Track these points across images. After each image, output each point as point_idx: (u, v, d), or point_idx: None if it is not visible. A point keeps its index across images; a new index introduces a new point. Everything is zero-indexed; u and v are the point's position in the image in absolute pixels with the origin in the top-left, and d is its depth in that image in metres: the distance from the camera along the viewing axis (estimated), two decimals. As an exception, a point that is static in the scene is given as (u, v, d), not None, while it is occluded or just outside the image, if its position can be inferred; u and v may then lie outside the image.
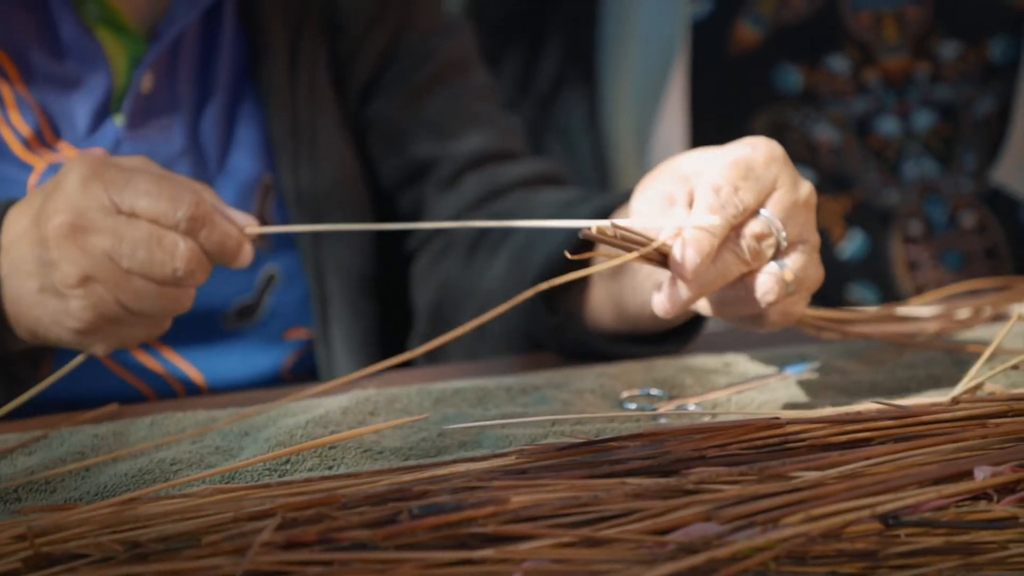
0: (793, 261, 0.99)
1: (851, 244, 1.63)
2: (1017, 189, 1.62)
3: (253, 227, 1.04)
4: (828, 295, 1.64)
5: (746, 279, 0.98)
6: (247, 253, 1.04)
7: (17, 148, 1.18)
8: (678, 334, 1.15)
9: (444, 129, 1.32)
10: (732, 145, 1.00)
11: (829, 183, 1.63)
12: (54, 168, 1.18)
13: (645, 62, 1.64)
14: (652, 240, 0.95)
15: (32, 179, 1.17)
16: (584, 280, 1.15)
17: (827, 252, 1.64)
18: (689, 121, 1.64)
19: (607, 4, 1.68)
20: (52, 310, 1.01)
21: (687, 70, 1.63)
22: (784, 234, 0.98)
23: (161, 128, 1.22)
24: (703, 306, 1.01)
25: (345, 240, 1.28)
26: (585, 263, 0.97)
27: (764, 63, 1.62)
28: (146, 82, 1.21)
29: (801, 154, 1.63)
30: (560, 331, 1.16)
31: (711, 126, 1.64)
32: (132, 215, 0.99)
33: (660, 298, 0.97)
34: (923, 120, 1.63)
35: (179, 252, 1.00)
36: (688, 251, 0.95)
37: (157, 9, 1.22)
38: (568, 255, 0.95)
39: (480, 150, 1.32)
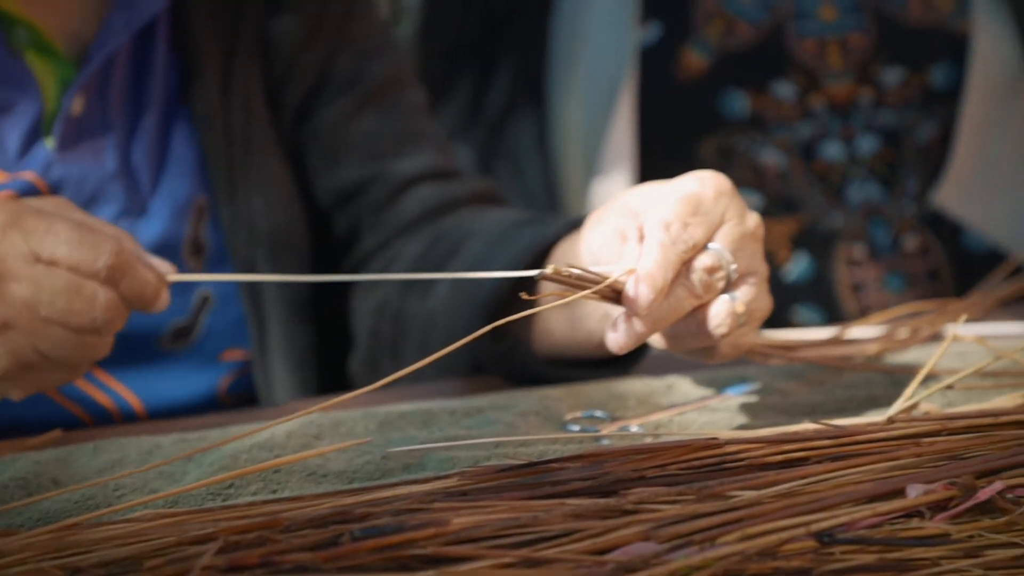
0: (743, 293, 1.00)
1: (796, 267, 1.65)
2: (957, 213, 1.64)
3: (173, 275, 1.06)
4: (774, 317, 1.65)
5: (698, 312, 0.99)
6: (164, 300, 1.05)
7: None
8: (622, 359, 1.16)
9: (379, 149, 1.32)
10: (681, 179, 1.01)
11: (775, 206, 1.65)
12: None
13: (593, 87, 1.65)
14: (605, 278, 0.96)
15: None
16: (525, 322, 1.16)
17: (773, 275, 1.65)
18: (637, 146, 1.65)
19: (556, 29, 1.69)
20: None
21: (635, 95, 1.64)
22: (734, 266, 1.00)
23: (93, 151, 1.22)
24: (656, 340, 1.03)
25: (280, 260, 1.28)
26: (532, 292, 0.98)
27: (711, 89, 1.64)
28: (76, 105, 1.21)
29: (748, 178, 1.64)
30: (505, 357, 1.17)
31: (659, 151, 1.65)
32: (52, 263, 1.00)
33: (614, 335, 0.98)
34: (867, 145, 1.65)
35: (98, 302, 1.00)
36: (641, 287, 0.96)
37: (87, 32, 1.22)
38: (523, 295, 0.96)
39: (419, 169, 1.32)
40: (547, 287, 0.96)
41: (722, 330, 0.99)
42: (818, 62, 1.63)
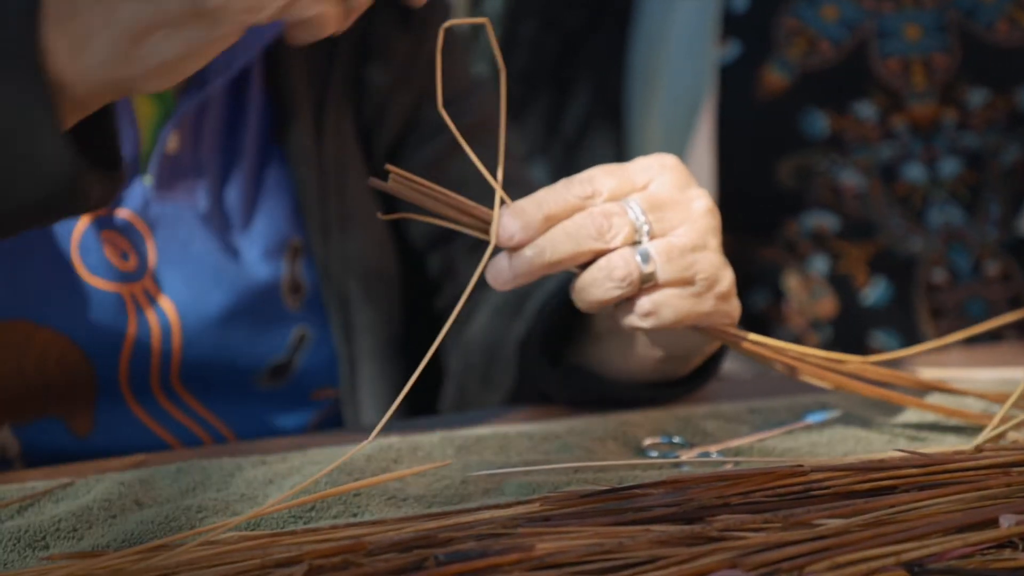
0: (656, 247, 0.98)
1: (874, 291, 1.64)
2: None
3: None
4: (852, 341, 1.64)
5: (601, 260, 0.97)
6: None
7: None
8: (691, 377, 1.15)
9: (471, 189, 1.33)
10: None
11: (854, 229, 1.64)
12: (95, 224, 1.17)
13: (672, 106, 1.65)
14: (465, 203, 0.95)
15: (75, 237, 1.17)
16: (586, 331, 1.15)
17: (850, 298, 1.64)
18: (716, 166, 1.64)
19: (635, 49, 1.69)
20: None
21: (714, 115, 1.64)
22: (645, 219, 0.97)
23: (187, 190, 1.22)
24: (575, 293, 1.00)
25: (373, 300, 1.29)
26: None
27: (791, 108, 1.63)
28: (172, 142, 1.21)
29: (827, 199, 1.63)
30: (565, 382, 1.16)
31: (738, 170, 1.65)
32: None
33: (491, 270, 0.96)
34: (949, 167, 1.63)
35: None
36: (506, 218, 0.95)
37: None
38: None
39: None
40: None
41: (618, 273, 0.97)
42: (901, 82, 1.62)
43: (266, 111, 1.27)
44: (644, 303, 0.99)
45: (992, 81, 1.63)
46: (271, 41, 1.24)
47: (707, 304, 1.01)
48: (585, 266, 0.99)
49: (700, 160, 1.64)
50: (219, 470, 0.99)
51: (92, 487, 0.95)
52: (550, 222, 0.96)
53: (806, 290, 1.65)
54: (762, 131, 1.64)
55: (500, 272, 0.97)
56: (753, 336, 1.05)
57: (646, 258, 0.98)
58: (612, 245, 0.97)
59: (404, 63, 1.32)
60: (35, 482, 0.98)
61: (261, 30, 1.22)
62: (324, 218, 1.26)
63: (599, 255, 0.98)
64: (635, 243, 0.98)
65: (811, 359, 1.05)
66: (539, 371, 1.16)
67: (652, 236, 0.98)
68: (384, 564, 0.75)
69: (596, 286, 0.98)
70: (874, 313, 1.63)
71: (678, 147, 1.63)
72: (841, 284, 1.64)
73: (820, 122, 1.63)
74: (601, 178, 0.98)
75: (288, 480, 0.97)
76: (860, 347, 1.64)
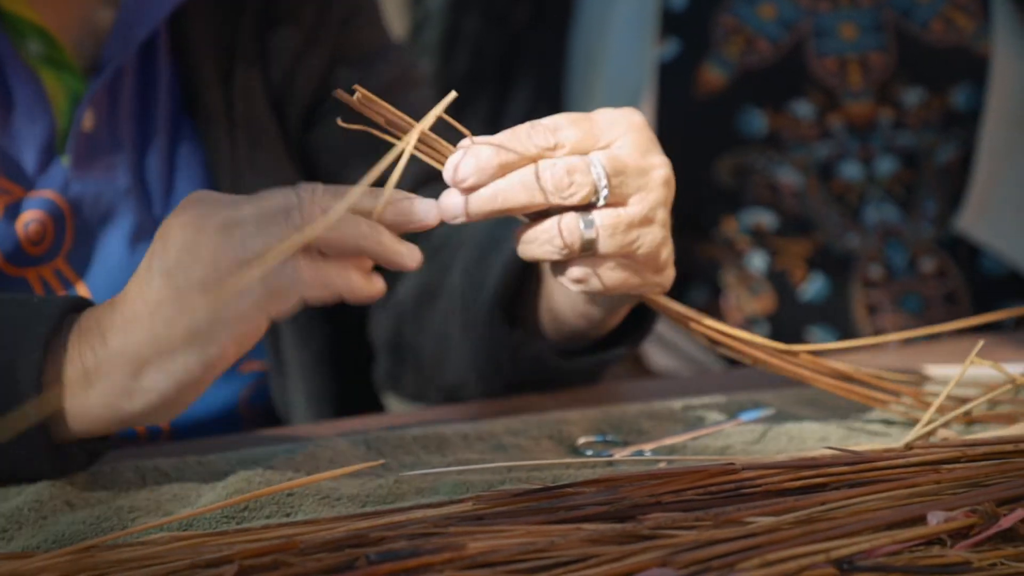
0: (602, 217, 0.97)
1: (812, 287, 1.65)
2: (979, 238, 1.64)
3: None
4: (788, 337, 1.65)
5: (547, 222, 0.97)
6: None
7: None
8: (630, 333, 1.16)
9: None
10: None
11: (791, 226, 1.65)
12: (11, 208, 1.17)
13: (612, 103, 1.65)
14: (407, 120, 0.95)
15: None
16: (534, 295, 1.15)
17: (788, 294, 1.65)
18: None
19: (575, 45, 1.69)
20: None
21: (653, 112, 1.64)
22: (605, 183, 0.96)
23: (106, 167, 1.22)
24: (522, 245, 0.99)
25: None
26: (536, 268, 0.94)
27: (729, 106, 1.63)
28: (88, 120, 1.20)
29: (764, 197, 1.64)
30: (521, 348, 1.16)
31: (676, 167, 1.65)
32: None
33: (443, 199, 0.96)
34: (886, 166, 1.65)
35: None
36: (459, 154, 0.95)
37: (94, 45, 1.21)
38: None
39: (428, 168, 1.32)
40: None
41: (559, 241, 0.97)
42: (838, 81, 1.63)
43: (175, 82, 1.27)
44: (576, 270, 0.99)
45: (928, 80, 1.64)
46: (174, 10, 1.23)
47: (640, 277, 1.00)
48: (533, 215, 0.99)
49: None
50: (152, 470, 0.99)
51: (22, 488, 0.94)
52: (505, 169, 0.96)
53: (744, 286, 1.66)
54: (700, 129, 1.64)
55: (453, 207, 0.96)
56: (676, 305, 1.06)
57: (589, 226, 0.97)
58: (568, 203, 0.97)
59: (312, 25, 1.31)
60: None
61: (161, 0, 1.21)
62: (237, 188, 1.26)
63: (552, 208, 0.98)
64: (589, 204, 0.98)
65: (732, 335, 1.05)
66: (500, 339, 1.15)
67: (609, 200, 0.97)
68: (315, 564, 0.75)
69: (537, 245, 0.98)
70: (811, 309, 1.64)
71: None
72: (779, 280, 1.65)
73: (758, 120, 1.63)
74: (566, 129, 0.96)
75: (221, 480, 0.96)
76: (797, 343, 1.64)
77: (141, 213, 1.23)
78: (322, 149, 1.32)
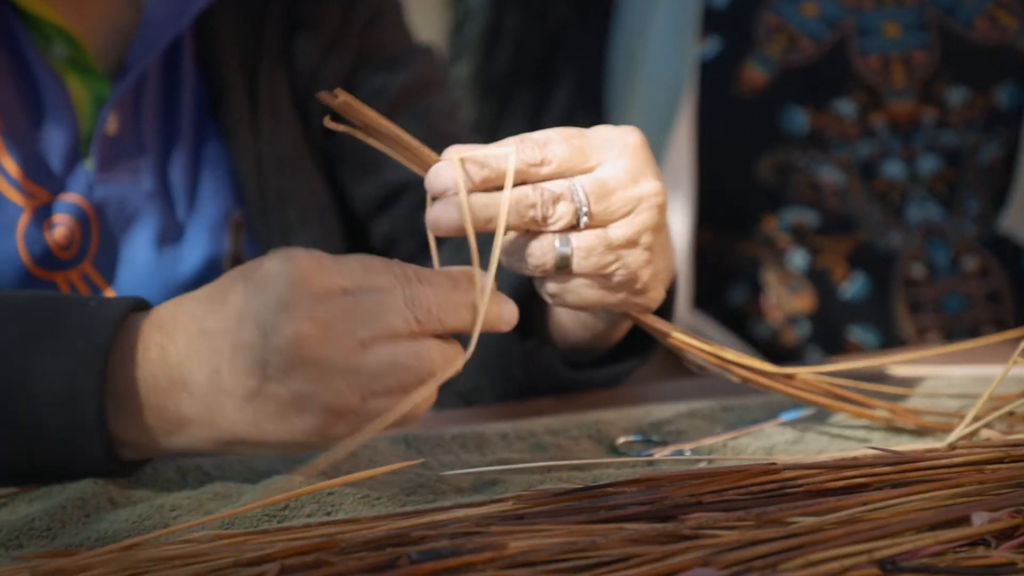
0: (580, 239, 0.97)
1: (853, 285, 1.64)
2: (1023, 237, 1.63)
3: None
4: (829, 335, 1.64)
5: (530, 237, 0.97)
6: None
7: (9, 192, 1.18)
8: (638, 350, 1.15)
9: None
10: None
11: (833, 224, 1.64)
12: (39, 212, 1.18)
13: (653, 101, 1.65)
14: (403, 137, 0.95)
15: (22, 221, 1.17)
16: (543, 305, 1.15)
17: (829, 293, 1.64)
18: (696, 162, 1.65)
19: (616, 43, 1.69)
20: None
21: (694, 110, 1.64)
22: (587, 209, 0.96)
23: (130, 170, 1.22)
24: (504, 257, 0.99)
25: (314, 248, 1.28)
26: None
27: (771, 104, 1.63)
28: (111, 124, 1.21)
29: (806, 195, 1.64)
30: (532, 357, 1.16)
31: (717, 166, 1.65)
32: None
33: (428, 211, 0.95)
34: (928, 165, 1.64)
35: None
36: (438, 165, 0.94)
37: (119, 49, 1.22)
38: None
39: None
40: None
41: (533, 261, 0.97)
42: (881, 79, 1.62)
43: (200, 85, 1.27)
44: (550, 285, 0.99)
45: (971, 79, 1.63)
46: (199, 13, 1.23)
47: (617, 297, 1.00)
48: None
49: (680, 156, 1.64)
50: (195, 468, 0.99)
51: (66, 486, 0.95)
52: (487, 184, 0.96)
53: (785, 285, 1.66)
54: (742, 127, 1.64)
55: (440, 220, 0.96)
56: (658, 320, 1.05)
57: (565, 244, 0.97)
58: (550, 229, 0.97)
59: (336, 28, 1.32)
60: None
61: (188, 3, 1.22)
62: (262, 191, 1.26)
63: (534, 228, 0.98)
64: (571, 227, 0.97)
65: (705, 349, 1.04)
66: (511, 347, 1.16)
67: (590, 223, 0.97)
68: (356, 562, 0.75)
69: (516, 259, 0.98)
70: (852, 307, 1.64)
71: (658, 142, 1.63)
72: (820, 279, 1.65)
73: (800, 119, 1.63)
74: (556, 145, 0.96)
75: (262, 479, 0.96)
76: (838, 341, 1.64)
77: (165, 216, 1.23)
78: (343, 153, 1.33)
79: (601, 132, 0.99)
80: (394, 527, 0.82)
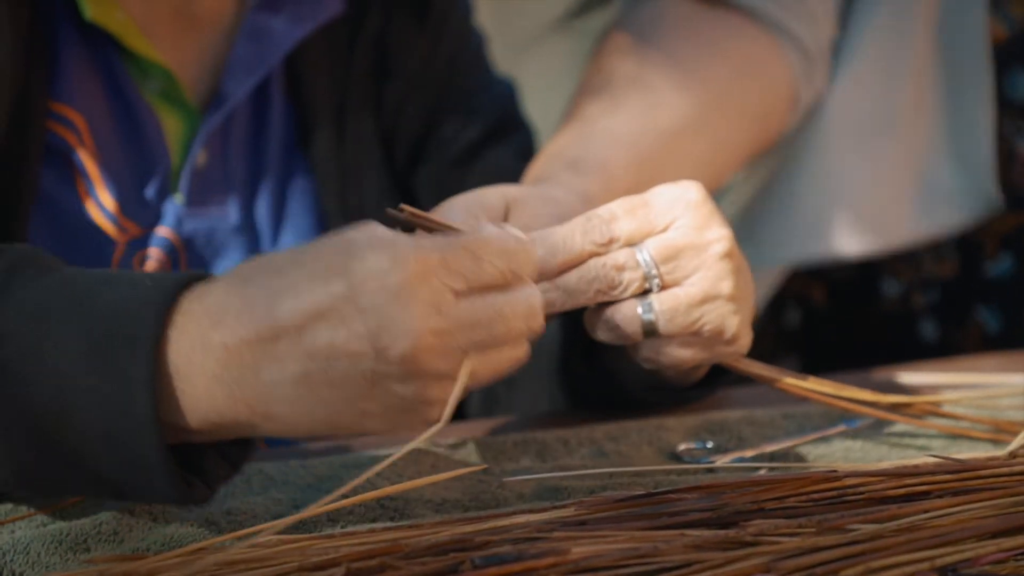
0: (661, 302, 0.98)
1: (999, 265, 1.57)
2: None
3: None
4: (955, 310, 1.58)
5: (608, 308, 0.99)
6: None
7: (105, 225, 1.18)
8: (710, 376, 1.16)
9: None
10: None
11: (1009, 198, 1.54)
12: (132, 244, 1.19)
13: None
14: (453, 229, 0.95)
15: (116, 255, 1.18)
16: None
17: (973, 267, 1.58)
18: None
19: None
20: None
21: None
22: (656, 272, 0.98)
23: (217, 204, 1.23)
24: (591, 331, 1.01)
25: None
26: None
27: (1000, 63, 1.55)
28: (201, 157, 1.21)
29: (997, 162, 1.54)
30: (600, 383, 1.16)
31: None
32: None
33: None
34: None
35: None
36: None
37: (210, 83, 1.23)
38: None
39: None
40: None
41: (622, 331, 0.98)
42: None
43: (288, 120, 1.28)
44: (645, 350, 1.01)
45: None
46: (291, 49, 1.24)
47: (709, 351, 1.01)
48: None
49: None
50: (259, 473, 1.00)
51: (133, 490, 0.96)
52: (564, 268, 0.98)
53: (931, 246, 1.59)
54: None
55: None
56: (757, 365, 1.05)
57: (648, 310, 0.99)
58: (621, 298, 0.99)
59: (422, 63, 1.32)
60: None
61: (279, 39, 1.22)
62: (347, 225, 1.27)
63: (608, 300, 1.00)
64: (645, 291, 0.99)
65: (816, 389, 1.05)
66: (571, 370, 1.16)
67: (663, 286, 0.99)
68: (420, 567, 0.76)
69: (600, 331, 1.00)
70: (990, 286, 1.57)
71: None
72: (968, 250, 1.59)
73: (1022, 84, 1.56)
74: (621, 221, 0.98)
75: (327, 483, 0.98)
76: (960, 318, 1.57)
77: (250, 250, 1.23)
78: (425, 187, 1.33)
79: (662, 194, 1.00)
80: (457, 532, 0.82)
